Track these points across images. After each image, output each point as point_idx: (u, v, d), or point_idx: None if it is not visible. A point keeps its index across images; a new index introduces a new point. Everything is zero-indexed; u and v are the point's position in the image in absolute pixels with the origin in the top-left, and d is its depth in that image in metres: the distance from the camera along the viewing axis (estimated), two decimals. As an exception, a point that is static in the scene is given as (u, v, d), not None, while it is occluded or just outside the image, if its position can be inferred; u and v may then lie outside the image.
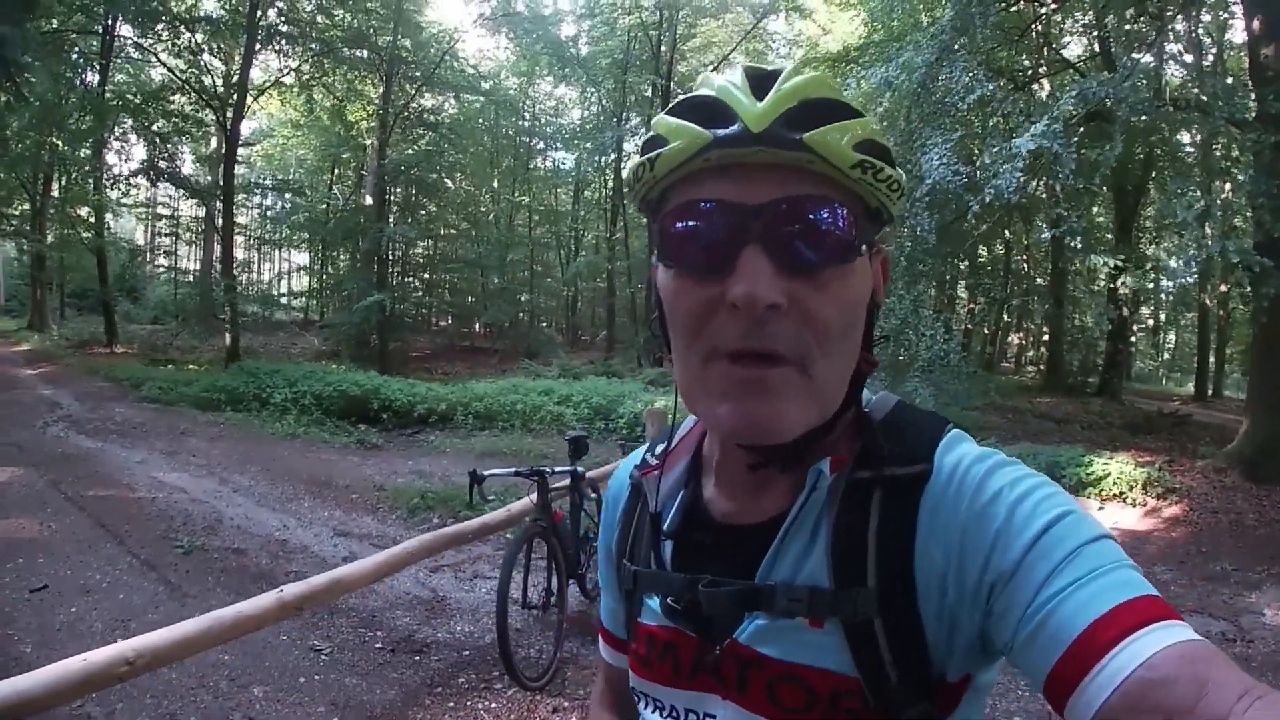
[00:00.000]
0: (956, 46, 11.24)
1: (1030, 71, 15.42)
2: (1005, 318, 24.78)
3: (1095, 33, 15.28)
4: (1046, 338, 24.23)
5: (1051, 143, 9.37)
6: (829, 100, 0.70)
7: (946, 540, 0.69)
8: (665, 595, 0.84)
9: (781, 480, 0.80)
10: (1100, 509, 8.73)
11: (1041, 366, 24.69)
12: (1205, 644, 0.57)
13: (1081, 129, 10.14)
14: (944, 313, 11.64)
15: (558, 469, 4.77)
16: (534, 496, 4.62)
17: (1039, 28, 14.88)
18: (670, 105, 0.74)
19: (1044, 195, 13.90)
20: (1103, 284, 14.22)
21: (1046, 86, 15.66)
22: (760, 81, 0.71)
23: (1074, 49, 18.25)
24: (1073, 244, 13.80)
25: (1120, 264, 12.36)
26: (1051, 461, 9.58)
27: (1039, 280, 20.97)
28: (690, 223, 0.72)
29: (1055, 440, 12.17)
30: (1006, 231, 17.64)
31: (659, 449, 0.95)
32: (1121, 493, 9.00)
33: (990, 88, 11.27)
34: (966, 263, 17.35)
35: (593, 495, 5.43)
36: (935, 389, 10.97)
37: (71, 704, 3.61)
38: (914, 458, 0.74)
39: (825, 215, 0.70)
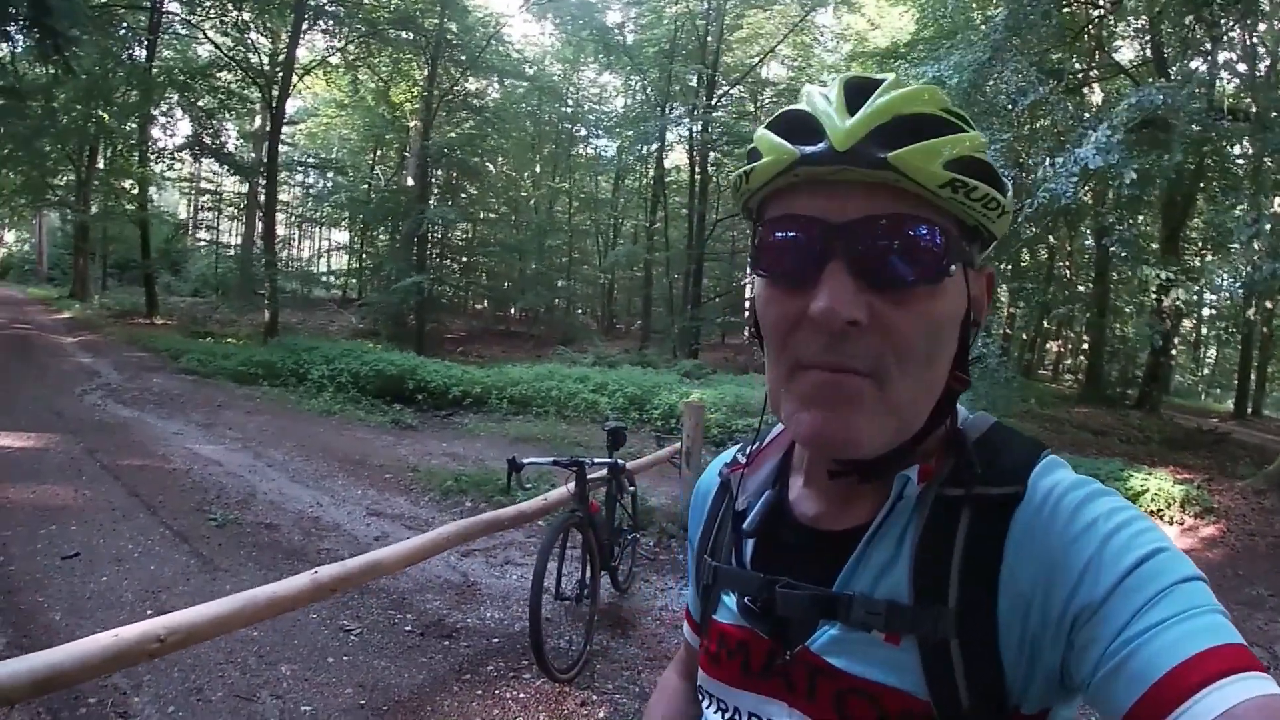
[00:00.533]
0: (1009, 46, 11.02)
1: (1082, 75, 15.08)
2: (1045, 324, 24.33)
3: (1148, 38, 14.94)
4: (1086, 347, 23.80)
5: (1112, 153, 9.16)
6: (926, 115, 0.70)
7: (1035, 566, 0.67)
8: (742, 594, 0.84)
9: (871, 489, 0.78)
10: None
11: (1080, 376, 24.29)
12: None
13: (1133, 137, 9.85)
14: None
15: (597, 460, 4.68)
16: (571, 486, 4.54)
17: (1092, 30, 14.58)
18: (771, 118, 0.75)
19: (1090, 201, 13.63)
20: (1152, 296, 13.88)
21: (1099, 91, 15.33)
22: (858, 95, 0.71)
23: (1126, 53, 17.93)
24: (1121, 254, 13.53)
25: (1171, 276, 12.06)
26: (1089, 474, 9.32)
27: (1080, 288, 20.52)
28: (780, 235, 0.73)
29: (1093, 452, 11.93)
30: (1051, 237, 17.29)
31: (750, 448, 0.95)
32: (1159, 510, 8.78)
33: (1043, 90, 11.04)
34: (1010, 266, 17.05)
35: (630, 488, 5.34)
36: (972, 394, 10.77)
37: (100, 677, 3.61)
38: (1007, 479, 0.73)
39: (911, 234, 0.69)
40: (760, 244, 0.75)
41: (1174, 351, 21.34)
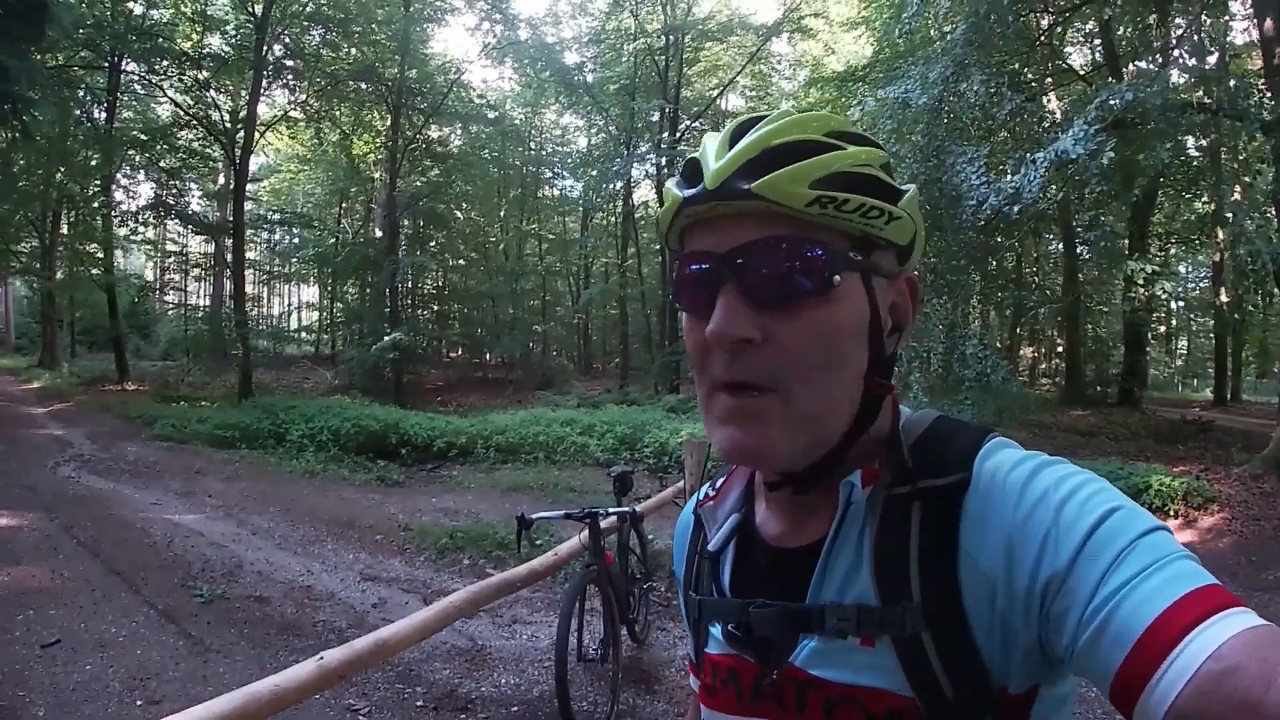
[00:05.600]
0: (972, 59, 11.10)
1: (1038, 83, 15.24)
2: (1019, 330, 24.43)
3: (1098, 42, 15.18)
4: (1061, 349, 23.85)
5: (1086, 147, 9.19)
6: (795, 144, 0.73)
7: (992, 547, 0.68)
8: (726, 622, 0.85)
9: (825, 501, 0.80)
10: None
11: (1058, 379, 24.31)
12: (1272, 628, 0.56)
13: (1104, 136, 9.94)
14: (975, 329, 11.37)
15: (611, 510, 4.42)
16: (584, 538, 4.28)
17: (1044, 39, 14.79)
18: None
19: (1072, 202, 13.72)
20: (1139, 290, 13.91)
21: (1054, 99, 15.52)
22: (740, 135, 0.75)
23: (1075, 59, 18.22)
24: (1096, 252, 13.58)
25: (1156, 270, 12.12)
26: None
27: (1048, 291, 20.68)
28: (686, 270, 0.78)
29: (1087, 454, 11.84)
30: (1016, 242, 17.45)
31: (720, 481, 0.98)
32: (1163, 504, 8.73)
33: (1017, 99, 11.12)
34: (978, 276, 17.11)
35: (650, 537, 5.10)
36: (975, 408, 10.66)
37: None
38: (952, 468, 0.74)
39: (788, 252, 0.72)
40: (676, 280, 0.81)
41: (1148, 346, 21.43)
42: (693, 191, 0.75)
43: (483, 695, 4.56)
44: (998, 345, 23.88)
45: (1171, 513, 8.65)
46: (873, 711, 0.72)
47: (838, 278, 0.73)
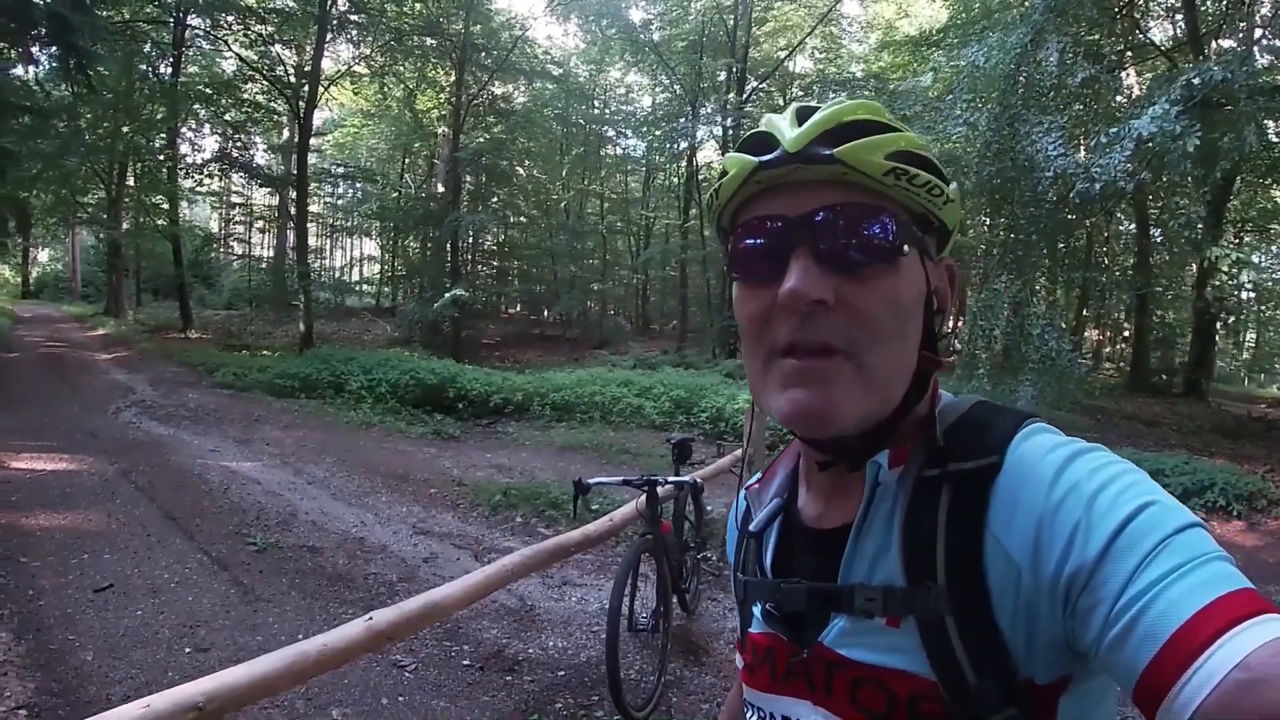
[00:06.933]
0: (1051, 27, 10.62)
1: (1118, 56, 14.56)
2: (1084, 312, 23.69)
3: (1179, 17, 14.49)
4: (1128, 334, 23.06)
5: (1173, 126, 8.72)
6: (865, 121, 0.75)
7: (1020, 532, 0.67)
8: (765, 602, 0.86)
9: (858, 483, 0.79)
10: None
11: (1122, 364, 23.58)
12: None
13: (1187, 118, 9.44)
14: (1025, 307, 10.97)
15: (670, 479, 4.27)
16: (640, 505, 4.14)
17: (1125, 11, 14.10)
18: (739, 142, 0.79)
19: (1147, 184, 13.15)
20: (1221, 278, 13.33)
21: (1132, 73, 14.84)
22: (805, 114, 0.76)
23: (1156, 34, 17.42)
24: (1181, 231, 13.00)
25: (1241, 257, 11.58)
26: (1155, 470, 8.88)
27: (1116, 272, 19.95)
28: (749, 237, 0.78)
29: (1151, 445, 11.45)
30: (1088, 221, 16.83)
31: (767, 468, 0.99)
32: (1226, 504, 8.34)
33: (1093, 70, 10.63)
34: (1047, 253, 16.56)
35: (707, 507, 4.97)
36: (1037, 389, 10.31)
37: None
38: (984, 452, 0.73)
39: (864, 219, 0.74)
40: (733, 250, 0.80)
41: (1217, 336, 20.65)
42: (771, 155, 0.75)
43: (530, 657, 4.48)
44: (1063, 326, 23.34)
45: (1235, 514, 8.27)
46: (895, 693, 0.72)
47: (907, 248, 0.75)
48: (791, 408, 0.73)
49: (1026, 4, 11.72)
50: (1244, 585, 0.57)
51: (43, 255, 43.73)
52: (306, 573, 5.65)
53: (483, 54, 24.51)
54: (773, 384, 0.75)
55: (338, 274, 38.87)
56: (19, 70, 14.36)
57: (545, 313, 32.10)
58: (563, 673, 4.33)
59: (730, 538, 1.05)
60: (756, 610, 0.89)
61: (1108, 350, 28.01)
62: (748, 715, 0.90)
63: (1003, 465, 0.71)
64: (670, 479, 4.26)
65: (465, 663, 4.37)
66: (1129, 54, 14.99)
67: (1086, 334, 27.26)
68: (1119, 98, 11.63)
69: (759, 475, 1.00)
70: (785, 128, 0.75)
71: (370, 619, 2.90)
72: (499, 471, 9.34)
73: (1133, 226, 19.56)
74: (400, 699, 3.94)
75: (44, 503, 6.66)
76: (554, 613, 5.18)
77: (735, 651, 1.00)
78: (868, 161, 0.72)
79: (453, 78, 24.97)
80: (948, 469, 0.74)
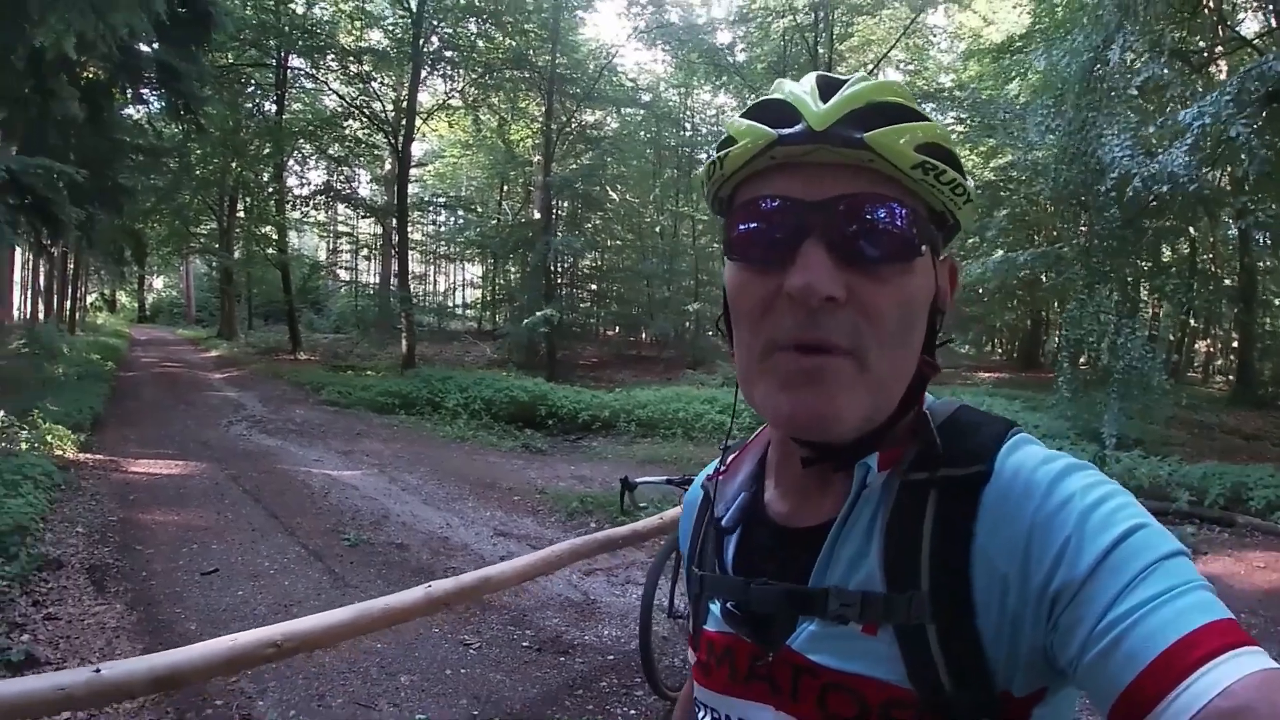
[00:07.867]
0: (1123, 26, 10.46)
1: (1206, 52, 14.15)
2: (1192, 322, 22.75)
3: (1271, 6, 13.90)
4: (1236, 344, 22.05)
5: (1232, 120, 8.58)
6: (894, 104, 0.72)
7: (1010, 545, 0.67)
8: (725, 599, 0.84)
9: (839, 481, 0.79)
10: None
11: (1230, 377, 22.41)
12: None
13: (1262, 111, 9.11)
14: (1127, 319, 10.67)
15: (711, 477, 4.61)
16: (684, 501, 4.49)
17: (1211, 4, 13.67)
18: (745, 108, 0.75)
19: (1228, 185, 12.73)
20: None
21: (1224, 67, 14.31)
22: (829, 87, 0.73)
23: (1249, 25, 16.63)
24: (1261, 239, 12.46)
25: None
26: (1237, 482, 8.71)
27: (1226, 281, 18.95)
28: (755, 218, 0.74)
29: (1244, 458, 10.91)
30: (1191, 228, 16.17)
31: (731, 458, 0.97)
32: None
33: (1159, 69, 10.39)
34: (1150, 263, 16.01)
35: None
36: (1122, 402, 10.17)
37: (227, 679, 3.80)
38: (973, 459, 0.72)
39: (885, 213, 0.71)
40: (732, 230, 0.76)
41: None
42: (794, 130, 0.70)
43: (584, 643, 4.89)
44: (1170, 339, 22.45)
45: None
46: (869, 702, 0.70)
47: (924, 248, 0.73)
48: (793, 409, 0.71)
49: (1099, 5, 11.53)
50: (1227, 615, 0.58)
51: (158, 282, 46.68)
52: (393, 565, 6.19)
53: (570, 84, 25.18)
54: (771, 380, 0.73)
55: (440, 299, 40.12)
56: (130, 110, 15.48)
57: (643, 334, 32.57)
58: (611, 657, 4.71)
59: (684, 529, 1.03)
60: (715, 608, 0.86)
61: (1219, 362, 26.80)
62: (700, 715, 0.88)
63: (992, 474, 0.71)
64: (710, 477, 4.59)
65: (525, 644, 4.80)
66: (1219, 49, 14.48)
67: (1197, 346, 26.18)
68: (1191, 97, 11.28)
69: (720, 465, 0.98)
70: (810, 101, 0.71)
71: (429, 586, 3.35)
72: (580, 482, 9.81)
73: (1233, 232, 18.86)
74: (463, 671, 4.39)
75: (160, 501, 7.45)
76: (614, 606, 5.56)
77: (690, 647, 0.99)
78: (898, 152, 0.69)
79: (544, 108, 25.78)
80: (937, 474, 0.73)
